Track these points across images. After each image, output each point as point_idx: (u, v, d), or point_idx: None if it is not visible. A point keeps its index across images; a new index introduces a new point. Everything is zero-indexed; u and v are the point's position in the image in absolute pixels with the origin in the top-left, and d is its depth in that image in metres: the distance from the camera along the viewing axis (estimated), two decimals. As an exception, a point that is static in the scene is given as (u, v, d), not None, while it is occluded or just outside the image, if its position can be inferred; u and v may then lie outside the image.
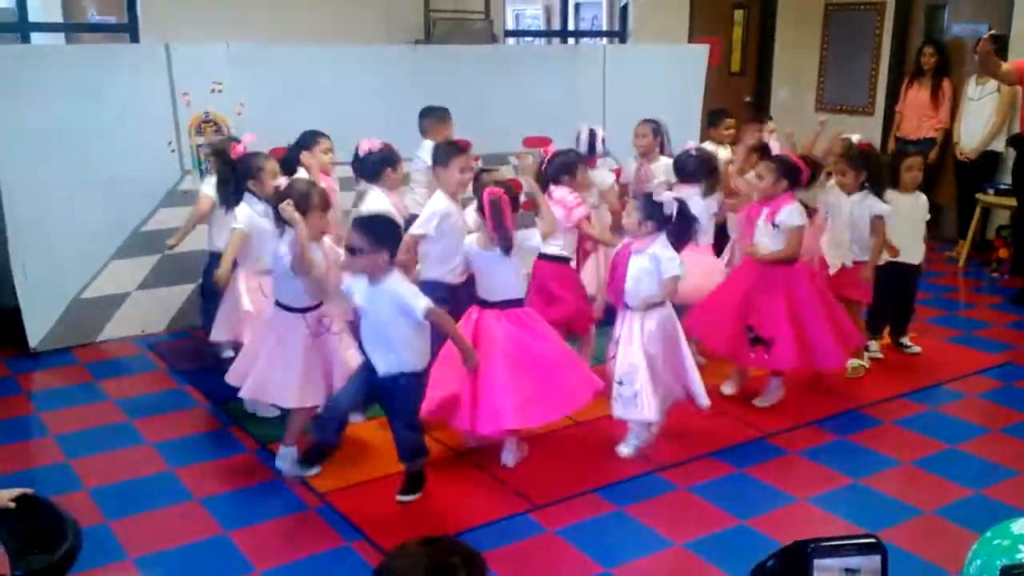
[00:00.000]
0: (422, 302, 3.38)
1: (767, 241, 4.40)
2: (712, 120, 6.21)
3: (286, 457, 3.83)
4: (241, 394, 3.89)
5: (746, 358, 4.48)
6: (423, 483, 3.65)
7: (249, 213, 4.22)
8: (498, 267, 3.81)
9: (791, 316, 4.35)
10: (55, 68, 5.17)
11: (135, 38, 6.05)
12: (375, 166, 4.58)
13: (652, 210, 3.89)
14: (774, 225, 4.35)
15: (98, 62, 5.34)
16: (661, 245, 3.89)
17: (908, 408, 4.63)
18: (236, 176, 4.32)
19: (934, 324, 5.92)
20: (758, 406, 4.53)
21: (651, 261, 3.88)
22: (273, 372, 3.73)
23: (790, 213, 4.34)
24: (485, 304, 3.85)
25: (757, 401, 4.56)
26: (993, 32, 5.78)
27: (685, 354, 4.01)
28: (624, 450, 4.01)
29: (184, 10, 5.95)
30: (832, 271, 4.84)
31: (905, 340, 5.37)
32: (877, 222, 4.72)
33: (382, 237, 3.41)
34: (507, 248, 3.73)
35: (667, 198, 3.94)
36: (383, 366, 3.47)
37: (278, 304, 3.77)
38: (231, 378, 3.89)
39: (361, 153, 4.60)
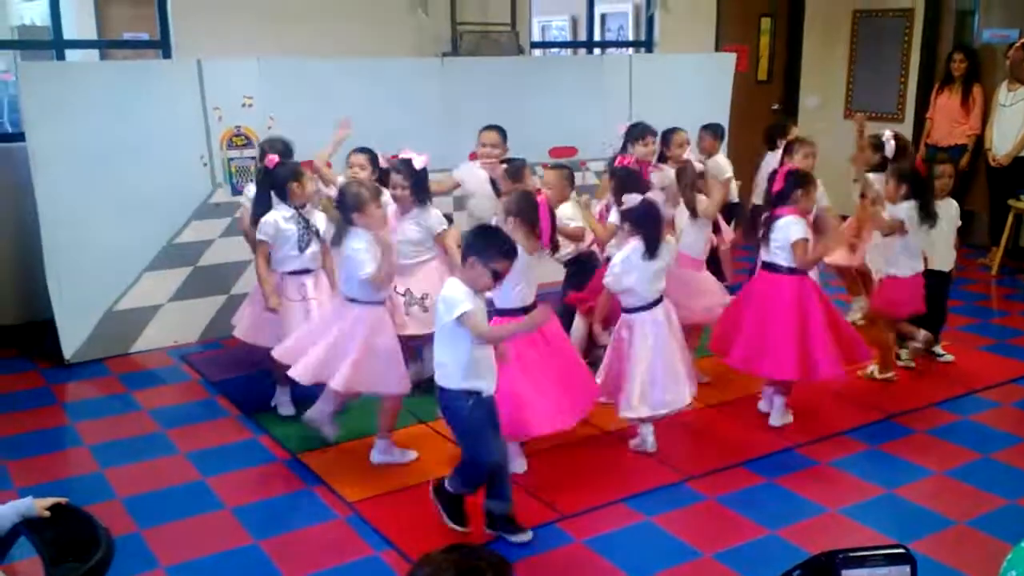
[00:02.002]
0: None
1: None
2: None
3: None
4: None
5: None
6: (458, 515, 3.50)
7: (275, 221, 4.32)
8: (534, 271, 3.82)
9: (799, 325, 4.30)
10: (89, 84, 5.26)
11: (167, 54, 6.13)
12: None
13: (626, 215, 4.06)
14: None
15: (131, 78, 5.43)
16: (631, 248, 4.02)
17: (941, 417, 4.58)
18: (275, 181, 4.36)
19: (967, 332, 5.85)
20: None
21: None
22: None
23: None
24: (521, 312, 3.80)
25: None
26: None
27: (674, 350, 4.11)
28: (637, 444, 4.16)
29: (215, 26, 6.03)
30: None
31: (937, 348, 5.31)
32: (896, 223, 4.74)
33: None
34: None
35: (635, 201, 4.06)
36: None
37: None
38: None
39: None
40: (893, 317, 4.96)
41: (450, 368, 3.30)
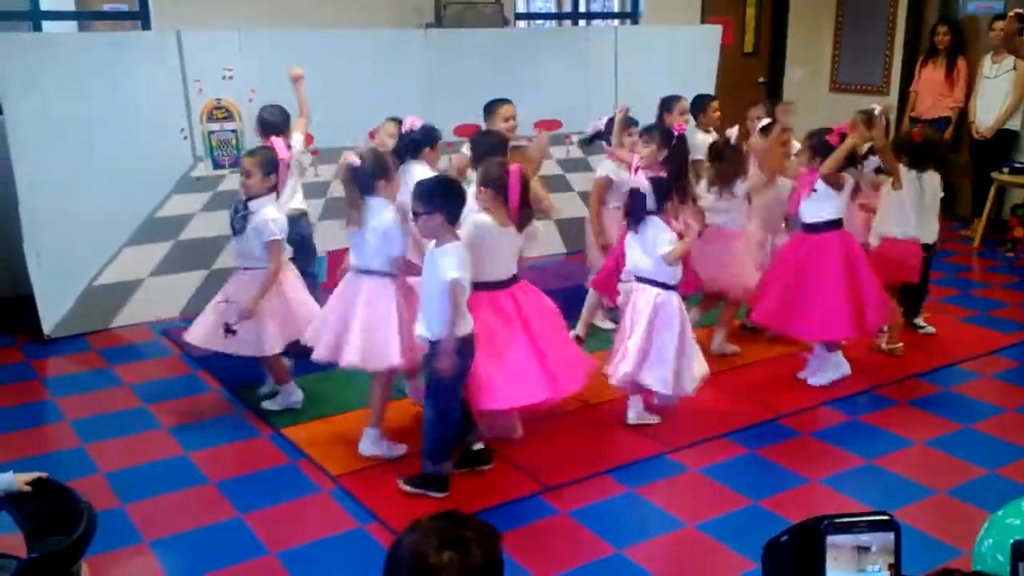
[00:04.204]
0: (451, 273, 3.35)
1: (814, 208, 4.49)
2: (699, 105, 6.03)
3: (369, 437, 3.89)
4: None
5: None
6: (439, 485, 3.55)
7: (278, 215, 4.13)
8: (508, 245, 3.76)
9: (848, 283, 4.41)
10: (67, 56, 5.18)
11: (146, 25, 6.05)
12: (416, 144, 4.47)
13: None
14: (813, 190, 4.45)
15: (110, 50, 5.35)
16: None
17: (922, 388, 4.61)
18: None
19: (948, 304, 5.88)
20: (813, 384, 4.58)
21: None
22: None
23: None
24: (494, 285, 3.75)
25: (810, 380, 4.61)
26: (1018, 11, 5.68)
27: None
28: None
29: (195, -4, 5.95)
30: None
31: (919, 320, 5.34)
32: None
33: (432, 198, 3.42)
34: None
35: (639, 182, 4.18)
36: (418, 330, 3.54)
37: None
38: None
39: (404, 129, 4.51)
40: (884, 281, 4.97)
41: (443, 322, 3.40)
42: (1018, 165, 7.19)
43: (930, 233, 5.09)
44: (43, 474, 2.56)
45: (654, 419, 4.16)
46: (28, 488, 2.49)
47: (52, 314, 5.22)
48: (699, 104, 5.81)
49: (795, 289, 4.47)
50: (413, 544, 1.60)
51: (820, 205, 4.46)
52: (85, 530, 2.48)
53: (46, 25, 6.01)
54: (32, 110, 5.02)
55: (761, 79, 8.96)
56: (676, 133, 4.50)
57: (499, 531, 1.68)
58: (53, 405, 4.49)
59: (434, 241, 3.46)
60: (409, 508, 3.40)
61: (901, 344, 4.98)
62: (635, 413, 4.14)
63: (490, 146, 4.26)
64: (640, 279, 4.09)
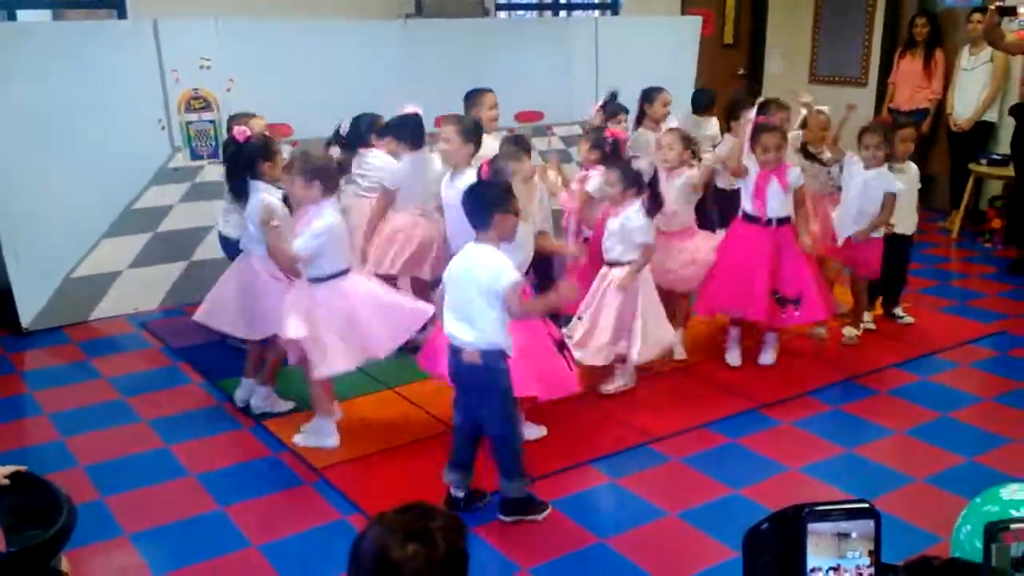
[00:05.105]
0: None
1: (778, 205, 4.50)
2: (700, 105, 6.09)
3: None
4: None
5: (780, 319, 4.61)
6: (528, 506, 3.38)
7: (278, 203, 3.97)
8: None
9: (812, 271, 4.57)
10: (42, 45, 5.11)
11: (122, 14, 5.99)
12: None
13: (633, 179, 4.17)
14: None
15: (86, 39, 5.29)
16: (634, 211, 4.17)
17: (901, 378, 4.65)
18: (244, 158, 3.98)
19: (927, 294, 5.93)
20: (762, 363, 4.72)
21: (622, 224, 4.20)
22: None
23: (797, 175, 4.51)
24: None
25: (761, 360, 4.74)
26: (999, 4, 5.69)
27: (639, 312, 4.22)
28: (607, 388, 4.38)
29: (171, -15, 5.89)
30: (840, 241, 4.88)
31: (898, 310, 5.38)
32: (890, 198, 4.72)
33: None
34: None
35: (645, 166, 4.23)
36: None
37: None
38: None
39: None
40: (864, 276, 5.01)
41: (492, 328, 3.18)
42: (996, 157, 7.24)
43: (909, 225, 5.14)
44: (22, 468, 2.53)
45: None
46: (6, 481, 2.47)
47: (30, 307, 5.17)
48: (701, 103, 6.09)
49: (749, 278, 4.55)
50: (377, 537, 1.59)
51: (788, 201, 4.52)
52: (64, 524, 2.45)
53: (20, 13, 5.94)
54: (7, 100, 4.96)
55: (741, 70, 8.99)
56: (610, 139, 4.52)
57: (466, 523, 1.68)
58: (31, 398, 4.45)
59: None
60: (392, 500, 3.37)
61: (856, 333, 5.04)
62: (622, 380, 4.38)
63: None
64: (618, 263, 4.20)
